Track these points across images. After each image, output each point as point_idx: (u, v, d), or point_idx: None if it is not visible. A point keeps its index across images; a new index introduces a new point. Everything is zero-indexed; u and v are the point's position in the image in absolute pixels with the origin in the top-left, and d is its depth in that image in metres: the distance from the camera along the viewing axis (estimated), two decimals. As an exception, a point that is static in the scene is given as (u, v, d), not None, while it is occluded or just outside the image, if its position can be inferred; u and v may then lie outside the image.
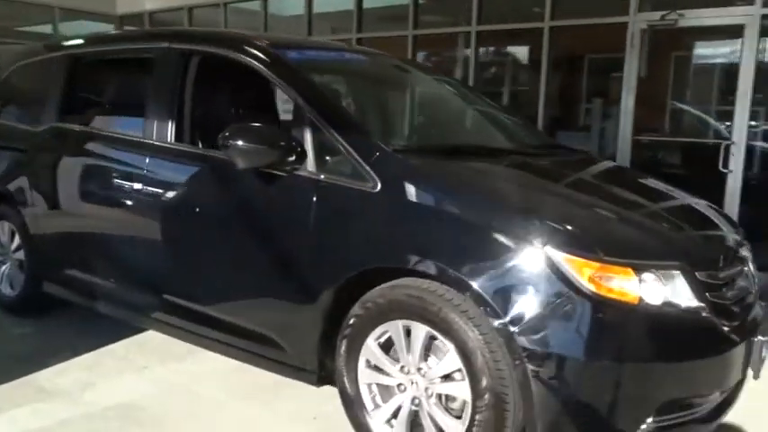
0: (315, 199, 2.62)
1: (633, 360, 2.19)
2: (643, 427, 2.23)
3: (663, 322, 2.23)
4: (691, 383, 2.27)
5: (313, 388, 2.74)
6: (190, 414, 2.94)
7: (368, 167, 2.53)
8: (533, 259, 2.22)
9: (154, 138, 3.18)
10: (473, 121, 3.44)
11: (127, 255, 3.28)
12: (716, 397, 2.38)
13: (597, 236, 2.32)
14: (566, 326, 2.18)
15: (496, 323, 2.22)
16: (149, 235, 3.15)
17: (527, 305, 2.21)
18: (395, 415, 2.52)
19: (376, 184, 2.51)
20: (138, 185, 3.18)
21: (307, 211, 2.63)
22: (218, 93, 3.39)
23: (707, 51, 6.75)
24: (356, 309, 2.54)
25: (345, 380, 2.60)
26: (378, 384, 2.57)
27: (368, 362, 2.55)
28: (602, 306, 2.17)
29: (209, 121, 3.15)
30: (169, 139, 3.14)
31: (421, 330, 2.40)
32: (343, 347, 2.59)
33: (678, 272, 2.27)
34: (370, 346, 2.53)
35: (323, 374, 2.70)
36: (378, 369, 2.54)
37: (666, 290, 2.24)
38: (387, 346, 2.53)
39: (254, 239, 2.83)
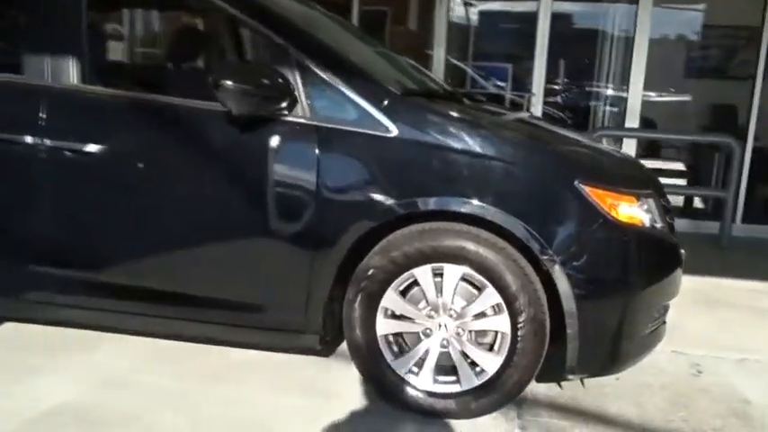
0: (318, 148, 2.43)
1: (650, 274, 2.51)
2: (646, 331, 2.55)
3: (657, 240, 2.58)
4: (669, 291, 2.65)
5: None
6: (150, 408, 2.55)
7: (378, 112, 2.42)
8: (567, 193, 2.39)
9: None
10: (395, 64, 3.39)
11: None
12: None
13: (606, 171, 2.60)
14: (599, 250, 2.40)
15: (540, 256, 2.34)
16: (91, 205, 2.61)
17: (565, 236, 2.38)
18: (420, 361, 2.51)
19: (389, 129, 2.41)
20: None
21: (310, 160, 2.43)
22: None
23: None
24: (376, 259, 2.45)
25: (359, 333, 2.51)
26: (395, 334, 2.53)
27: (386, 312, 2.49)
28: (623, 230, 2.43)
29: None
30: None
31: (455, 272, 2.41)
32: (357, 301, 2.49)
33: (652, 199, 2.61)
34: (391, 296, 2.47)
35: (326, 336, 2.58)
36: (398, 318, 2.50)
37: (650, 214, 2.56)
38: (403, 293, 2.50)
39: (246, 197, 2.52)
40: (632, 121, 5.98)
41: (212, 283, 2.60)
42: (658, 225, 2.57)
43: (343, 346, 2.66)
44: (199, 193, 2.54)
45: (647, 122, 6.39)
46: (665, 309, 2.69)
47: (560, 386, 2.80)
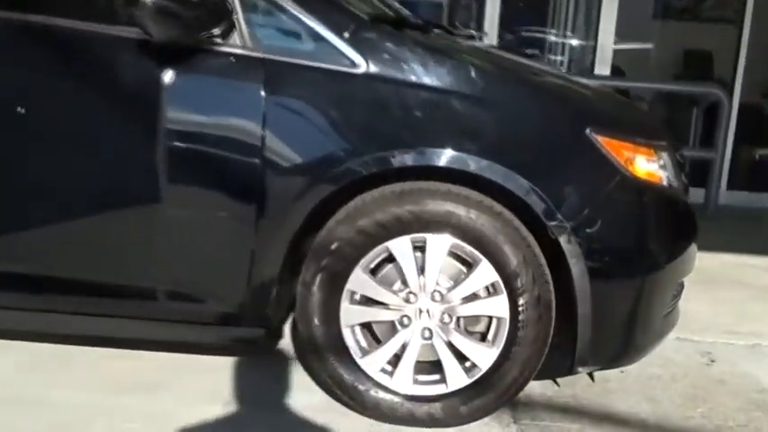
0: (264, 89, 2.28)
1: (673, 243, 2.49)
2: (664, 313, 2.53)
3: (677, 203, 2.56)
4: (688, 266, 2.63)
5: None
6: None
7: (342, 42, 2.29)
8: (578, 144, 2.34)
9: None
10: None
11: None
12: None
13: (619, 117, 2.55)
14: (616, 214, 2.37)
15: (547, 222, 2.27)
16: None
17: (577, 197, 2.33)
18: (395, 357, 2.41)
19: (356, 64, 2.28)
20: None
21: (253, 104, 2.28)
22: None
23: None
24: (341, 230, 2.32)
25: (317, 325, 2.40)
26: (363, 324, 2.43)
27: (353, 296, 2.38)
28: (642, 189, 2.40)
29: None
30: None
31: (441, 244, 2.32)
32: (316, 284, 2.36)
33: (667, 153, 2.58)
34: (360, 276, 2.35)
35: (273, 330, 2.50)
36: (368, 303, 2.39)
37: (667, 171, 2.53)
38: (373, 272, 2.40)
39: (167, 154, 2.32)
40: (603, 68, 6.05)
41: (122, 267, 2.44)
42: (675, 184, 2.55)
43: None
44: (101, 149, 2.36)
45: (615, 71, 6.48)
46: (681, 287, 2.68)
47: (557, 383, 2.77)
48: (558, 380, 2.78)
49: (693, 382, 2.90)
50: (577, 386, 2.79)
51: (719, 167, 5.59)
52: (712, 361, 3.10)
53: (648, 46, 7.08)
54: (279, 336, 2.71)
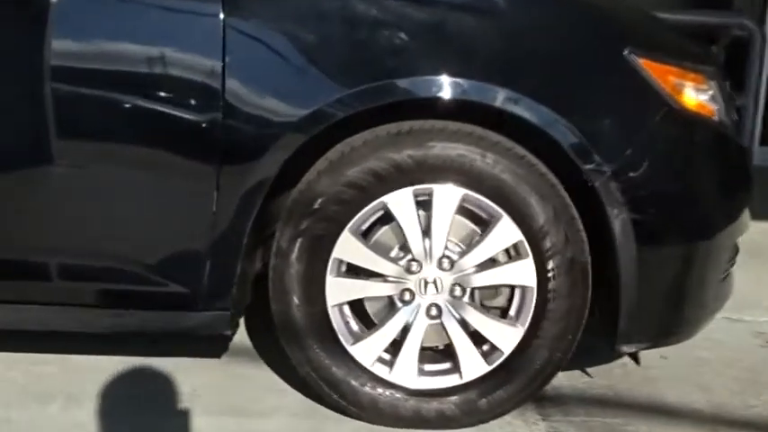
0: (224, 9, 2.27)
1: (731, 193, 2.56)
2: (721, 276, 2.60)
3: (733, 144, 2.61)
4: (744, 222, 2.68)
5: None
6: None
7: None
8: (616, 68, 2.38)
9: None
10: None
11: None
12: None
13: (662, 36, 2.62)
14: (664, 155, 2.42)
15: (583, 165, 2.31)
16: None
17: (617, 133, 2.38)
18: (396, 342, 2.43)
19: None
20: None
21: (209, 30, 2.28)
22: None
23: None
24: (324, 183, 2.33)
25: (297, 304, 2.41)
26: (354, 302, 2.45)
27: (341, 267, 2.40)
28: (694, 125, 2.44)
29: None
30: None
31: (450, 197, 2.33)
32: (295, 253, 2.37)
33: (717, 81, 2.65)
34: (349, 242, 2.36)
35: (236, 312, 2.51)
36: (360, 275, 2.42)
37: (718, 105, 2.59)
38: (365, 236, 2.44)
39: (95, 96, 2.32)
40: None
41: (41, 240, 2.44)
42: (728, 122, 2.61)
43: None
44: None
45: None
46: (736, 249, 2.74)
47: (588, 374, 2.83)
48: (589, 369, 2.84)
49: (750, 366, 3.00)
50: (613, 376, 2.85)
51: (752, 118, 5.69)
52: (768, 342, 3.18)
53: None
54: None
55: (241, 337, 2.93)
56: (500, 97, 2.28)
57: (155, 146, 2.33)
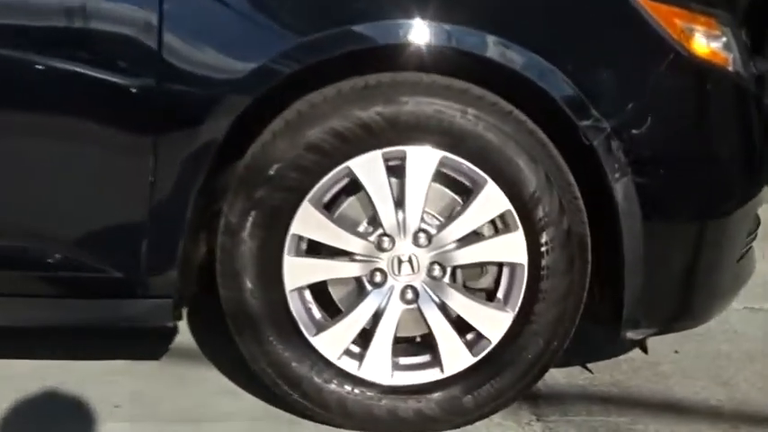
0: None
1: (751, 155, 2.57)
2: (740, 254, 2.62)
3: (749, 97, 2.62)
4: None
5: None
6: None
7: None
8: (615, 10, 2.41)
9: None
10: None
11: None
12: None
13: None
14: (672, 109, 2.45)
15: (578, 121, 2.31)
16: None
17: (619, 85, 2.41)
18: (365, 332, 2.44)
19: None
20: None
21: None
22: None
23: None
24: (280, 147, 2.34)
25: (248, 288, 2.41)
26: (316, 286, 2.46)
27: (300, 245, 2.41)
28: (706, 74, 2.46)
29: None
30: None
31: (426, 160, 2.34)
32: (247, 228, 2.37)
33: (730, 28, 2.66)
34: (310, 215, 2.37)
35: (179, 299, 2.53)
36: (323, 254, 2.44)
37: (732, 53, 2.61)
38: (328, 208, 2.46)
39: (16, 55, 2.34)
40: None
41: None
42: (746, 74, 2.62)
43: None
44: None
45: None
46: (758, 222, 2.76)
47: (588, 369, 2.86)
48: (591, 365, 2.87)
49: (774, 359, 3.00)
50: (619, 372, 2.89)
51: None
52: (792, 335, 3.22)
53: None
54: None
55: (183, 337, 2.95)
56: (483, 44, 2.29)
57: (80, 110, 2.36)
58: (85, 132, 2.36)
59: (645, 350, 2.78)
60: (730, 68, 2.52)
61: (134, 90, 2.32)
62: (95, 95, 2.34)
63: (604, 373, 2.86)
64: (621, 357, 2.92)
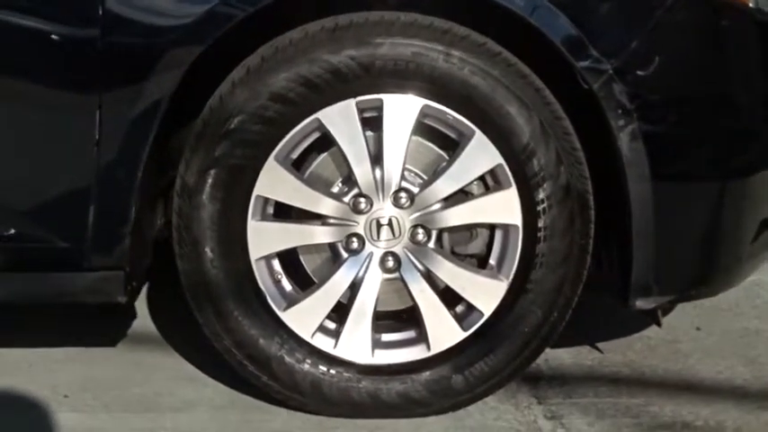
0: None
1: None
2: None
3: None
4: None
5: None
6: None
7: None
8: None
9: None
10: None
11: None
12: None
13: None
14: (683, 48, 2.42)
15: (576, 62, 2.29)
16: None
17: (621, 21, 2.39)
18: (342, 305, 2.44)
19: None
20: None
21: None
22: None
23: None
24: (242, 96, 2.33)
25: (209, 256, 2.41)
26: (285, 254, 2.46)
27: (265, 208, 2.42)
28: (720, 9, 2.42)
29: None
30: None
31: (406, 109, 2.33)
32: (206, 190, 2.36)
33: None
34: (276, 172, 2.37)
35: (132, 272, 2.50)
36: (292, 218, 2.44)
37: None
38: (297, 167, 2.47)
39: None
40: None
41: None
42: (766, 8, 2.57)
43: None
44: None
45: None
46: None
47: (597, 348, 2.86)
48: (601, 345, 2.88)
49: (812, 336, 3.00)
50: (631, 351, 2.90)
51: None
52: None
53: None
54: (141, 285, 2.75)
55: (142, 321, 2.98)
56: None
57: (16, 65, 2.37)
58: (24, 90, 2.39)
59: (659, 323, 2.73)
60: (750, 3, 2.48)
61: (74, 41, 2.34)
62: (33, 49, 2.35)
63: (616, 353, 2.86)
64: (635, 336, 2.93)
